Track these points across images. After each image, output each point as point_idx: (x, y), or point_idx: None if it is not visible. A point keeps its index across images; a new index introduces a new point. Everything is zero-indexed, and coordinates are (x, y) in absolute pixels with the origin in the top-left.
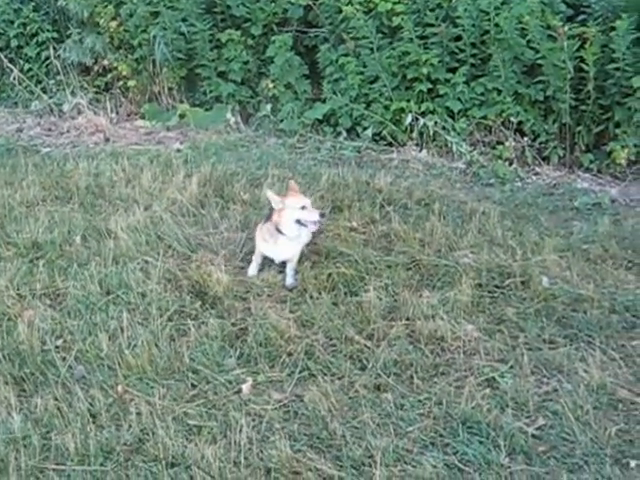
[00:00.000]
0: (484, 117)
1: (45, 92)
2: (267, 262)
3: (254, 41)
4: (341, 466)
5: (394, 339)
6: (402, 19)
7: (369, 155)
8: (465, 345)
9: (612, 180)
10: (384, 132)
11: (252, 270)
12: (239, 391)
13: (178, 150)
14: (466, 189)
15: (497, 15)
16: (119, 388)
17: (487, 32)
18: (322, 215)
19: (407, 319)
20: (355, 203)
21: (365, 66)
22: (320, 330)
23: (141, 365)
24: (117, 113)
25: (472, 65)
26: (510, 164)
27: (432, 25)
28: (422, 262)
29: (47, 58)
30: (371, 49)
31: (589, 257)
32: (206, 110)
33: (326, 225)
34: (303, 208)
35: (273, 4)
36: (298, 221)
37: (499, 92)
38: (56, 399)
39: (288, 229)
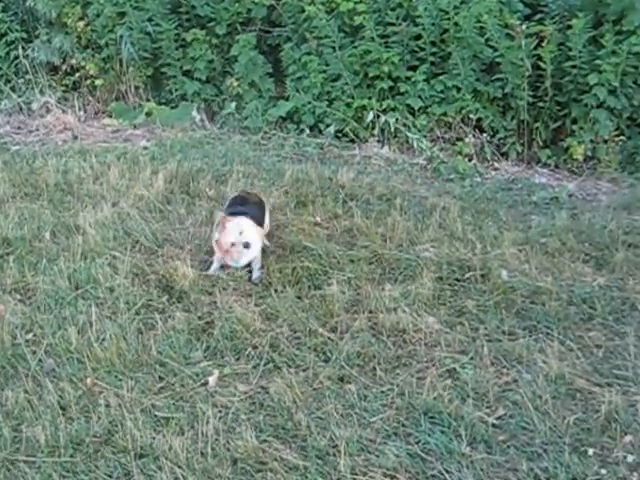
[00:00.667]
0: (444, 114)
1: (14, 91)
2: None
3: (219, 40)
4: (306, 456)
5: (357, 332)
6: (364, 18)
7: (332, 152)
8: (426, 337)
9: (569, 175)
10: (346, 129)
11: (212, 270)
12: (206, 383)
13: (145, 147)
14: (427, 184)
15: (456, 14)
16: (88, 381)
17: (447, 31)
18: (236, 263)
19: (370, 312)
20: (318, 198)
21: (327, 64)
22: (285, 323)
23: (110, 358)
24: (85, 111)
25: (432, 63)
26: (470, 160)
27: (393, 24)
28: (384, 256)
29: (16, 57)
30: (333, 48)
31: (547, 250)
32: (172, 108)
33: (291, 220)
34: (232, 245)
35: (237, 4)
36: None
37: (458, 89)
38: (26, 392)
39: (226, 253)
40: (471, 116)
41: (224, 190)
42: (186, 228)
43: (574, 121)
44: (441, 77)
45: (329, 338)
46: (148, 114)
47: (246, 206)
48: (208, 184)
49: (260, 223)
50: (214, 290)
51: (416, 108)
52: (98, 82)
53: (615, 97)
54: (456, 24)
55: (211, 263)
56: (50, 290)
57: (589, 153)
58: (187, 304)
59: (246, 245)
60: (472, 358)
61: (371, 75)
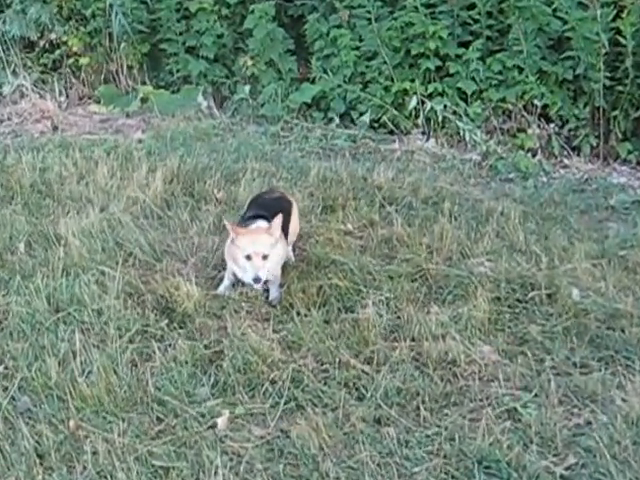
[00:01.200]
0: (502, 100)
1: None
2: None
3: (229, 10)
4: None
5: (397, 363)
6: None
7: (366, 145)
8: (481, 370)
9: None
10: (384, 118)
11: (222, 289)
12: (213, 426)
13: (140, 140)
14: (481, 185)
15: None
16: (71, 423)
17: None
18: (255, 280)
19: (412, 340)
20: (350, 202)
21: (361, 40)
22: (309, 353)
23: (97, 395)
24: (67, 96)
25: (488, 38)
26: (533, 155)
27: None
28: (430, 272)
29: None
30: (369, 20)
31: (627, 265)
32: (173, 93)
33: (317, 228)
34: (248, 258)
35: None
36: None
37: (520, 70)
38: None
39: (240, 269)
40: (535, 102)
41: (236, 192)
42: (190, 238)
43: None
44: (499, 55)
45: (363, 371)
46: (144, 100)
47: (268, 209)
48: (216, 185)
49: (285, 231)
50: (224, 313)
51: (469, 93)
52: (83, 61)
53: None
54: None
55: (220, 280)
56: (25, 313)
57: None
58: (191, 330)
59: (265, 257)
60: (536, 395)
61: (414, 53)
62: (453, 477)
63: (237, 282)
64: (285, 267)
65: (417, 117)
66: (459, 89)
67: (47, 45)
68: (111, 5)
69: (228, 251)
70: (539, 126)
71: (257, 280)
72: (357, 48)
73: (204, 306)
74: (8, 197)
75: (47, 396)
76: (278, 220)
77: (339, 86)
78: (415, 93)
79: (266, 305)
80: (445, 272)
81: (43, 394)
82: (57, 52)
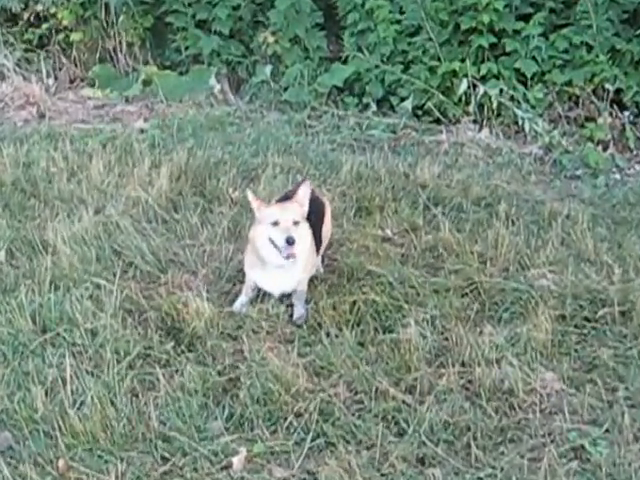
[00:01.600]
0: (568, 83)
1: None
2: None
3: None
4: None
5: (444, 393)
6: None
7: (408, 136)
8: (543, 401)
9: None
10: (429, 104)
11: (239, 305)
12: (228, 466)
13: (141, 130)
14: (543, 184)
15: None
16: (60, 463)
17: None
18: (289, 241)
19: (462, 365)
20: (389, 203)
21: (402, 12)
22: (341, 381)
23: (91, 431)
24: (56, 79)
25: (552, 11)
26: (605, 149)
27: None
28: (482, 285)
29: None
30: None
31: None
32: (180, 74)
33: (350, 233)
34: (275, 224)
35: None
36: (271, 241)
37: (589, 48)
38: None
39: (263, 251)
40: (607, 86)
41: (254, 191)
42: (200, 245)
43: None
44: (564, 31)
45: (404, 402)
46: (146, 83)
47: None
48: (231, 183)
49: (318, 237)
50: (240, 334)
51: (528, 75)
52: (75, 37)
53: None
54: None
55: (236, 295)
56: (6, 334)
57: None
58: (201, 354)
59: (289, 240)
60: (607, 431)
61: (465, 28)
62: None
63: (256, 297)
64: (313, 280)
65: (468, 103)
66: (517, 70)
67: (32, 18)
68: None
69: (252, 237)
70: (611, 114)
71: (291, 241)
72: (397, 22)
73: (217, 325)
74: None
75: (32, 431)
76: (306, 188)
77: (376, 67)
78: (465, 75)
79: (290, 324)
80: (501, 285)
81: (27, 429)
82: (44, 26)
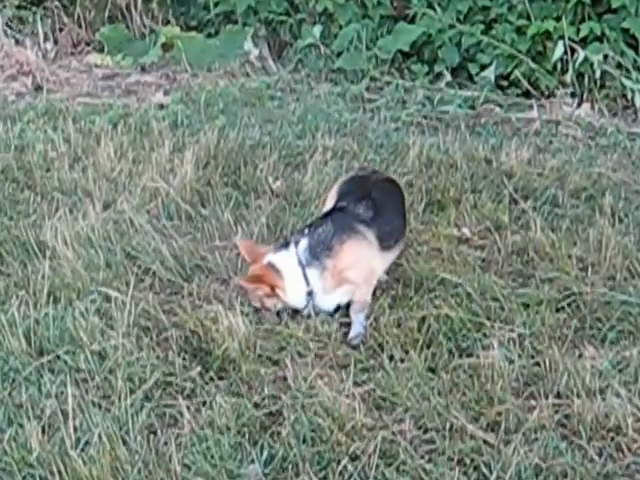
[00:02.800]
0: None
1: None
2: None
3: None
4: None
5: (535, 431)
6: None
7: (490, 113)
8: None
9: None
10: (516, 73)
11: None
12: None
13: (161, 106)
14: None
15: None
16: None
17: None
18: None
19: (557, 396)
20: (467, 196)
21: None
22: (407, 415)
23: (98, 477)
24: (55, 42)
25: None
26: None
27: None
28: (583, 297)
29: None
30: None
31: None
32: (209, 37)
33: (418, 232)
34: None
35: None
36: None
37: None
38: None
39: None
40: None
41: (299, 180)
42: (233, 247)
43: None
44: None
45: (485, 442)
46: (167, 47)
47: (364, 202)
48: (272, 170)
49: (389, 236)
50: (282, 357)
51: None
52: None
53: None
54: None
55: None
56: None
57: None
58: (235, 381)
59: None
60: None
61: None
62: None
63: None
64: (374, 291)
65: (564, 72)
66: (626, 31)
67: None
68: None
69: None
70: None
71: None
72: None
73: (254, 347)
74: None
75: (26, 477)
76: None
77: (451, 27)
78: (561, 37)
79: (344, 345)
80: (605, 298)
81: (20, 474)
82: None
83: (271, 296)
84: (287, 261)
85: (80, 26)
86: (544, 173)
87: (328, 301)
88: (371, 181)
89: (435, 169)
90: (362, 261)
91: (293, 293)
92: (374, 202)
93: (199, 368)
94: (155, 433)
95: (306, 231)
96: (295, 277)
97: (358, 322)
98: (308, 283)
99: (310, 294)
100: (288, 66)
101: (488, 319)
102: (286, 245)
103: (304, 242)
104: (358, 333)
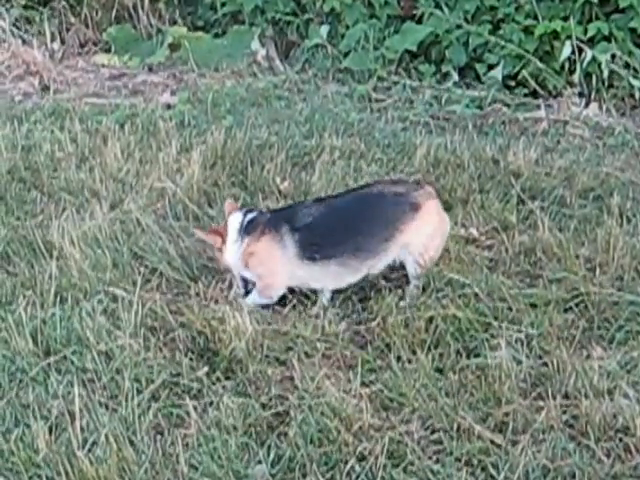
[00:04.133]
0: None
1: None
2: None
3: None
4: None
5: (543, 431)
6: None
7: (498, 113)
8: None
9: None
10: (524, 73)
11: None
12: None
13: (168, 106)
14: None
15: None
16: None
17: None
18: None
19: (565, 396)
20: (474, 196)
21: None
22: (414, 416)
23: (105, 477)
24: (62, 42)
25: None
26: None
27: None
28: (590, 298)
29: None
30: None
31: None
32: (216, 37)
33: None
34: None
35: None
36: None
37: None
38: None
39: None
40: None
41: (307, 181)
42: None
43: None
44: None
45: (493, 442)
46: (174, 47)
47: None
48: (279, 170)
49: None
50: (290, 357)
51: None
52: None
53: None
54: None
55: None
56: (1, 357)
57: None
58: (242, 382)
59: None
60: None
61: None
62: None
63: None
64: (381, 290)
65: (572, 72)
66: (634, 31)
67: None
68: None
69: None
70: None
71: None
72: None
73: (261, 347)
74: None
75: (33, 477)
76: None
77: (458, 27)
78: (569, 37)
79: (351, 345)
80: (613, 298)
81: (27, 474)
82: None
83: (219, 250)
84: (234, 225)
85: (87, 26)
86: (552, 173)
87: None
88: (357, 190)
89: (442, 169)
90: (266, 257)
91: (229, 254)
92: (323, 211)
93: (206, 368)
94: (162, 433)
95: (262, 210)
96: (233, 241)
97: (251, 295)
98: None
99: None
100: (295, 66)
101: (496, 319)
102: (240, 210)
103: (250, 216)
104: (246, 304)
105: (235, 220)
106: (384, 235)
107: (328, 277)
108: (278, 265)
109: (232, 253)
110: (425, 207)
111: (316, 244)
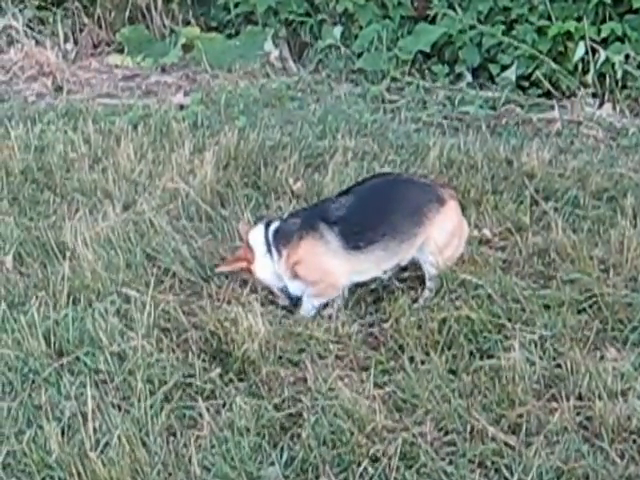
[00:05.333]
0: None
1: None
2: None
3: None
4: None
5: (556, 433)
6: None
7: (511, 114)
8: None
9: None
10: (537, 74)
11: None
12: None
13: (181, 106)
14: None
15: None
16: None
17: None
18: None
19: (579, 398)
20: (488, 197)
21: None
22: (427, 418)
23: (118, 478)
24: (75, 43)
25: None
26: None
27: None
28: (604, 299)
29: None
30: None
31: None
32: (229, 37)
33: None
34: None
35: None
36: None
37: None
38: None
39: None
40: None
41: (320, 181)
42: None
43: None
44: None
45: (506, 444)
46: (187, 48)
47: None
48: (292, 171)
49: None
50: (303, 358)
51: None
52: None
53: None
54: None
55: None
56: (14, 358)
57: None
58: (255, 383)
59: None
60: None
61: None
62: None
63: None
64: (393, 291)
65: (585, 72)
66: None
67: None
68: None
69: None
70: None
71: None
72: None
73: (274, 348)
74: None
75: (45, 478)
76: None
77: (472, 27)
78: (582, 38)
79: (364, 347)
80: (627, 299)
81: (39, 476)
82: None
83: (249, 271)
84: (258, 240)
85: (100, 27)
86: (565, 174)
87: (292, 287)
88: (373, 179)
89: (456, 170)
90: (314, 259)
91: (261, 270)
92: (353, 200)
93: (219, 369)
94: (175, 435)
95: (284, 216)
96: (262, 256)
97: (305, 305)
98: (273, 264)
99: (280, 277)
100: (308, 67)
101: (509, 320)
102: (260, 221)
103: (274, 226)
104: (302, 316)
105: (258, 234)
106: (414, 219)
107: (373, 264)
108: (329, 263)
109: (265, 266)
110: (449, 204)
111: (357, 232)
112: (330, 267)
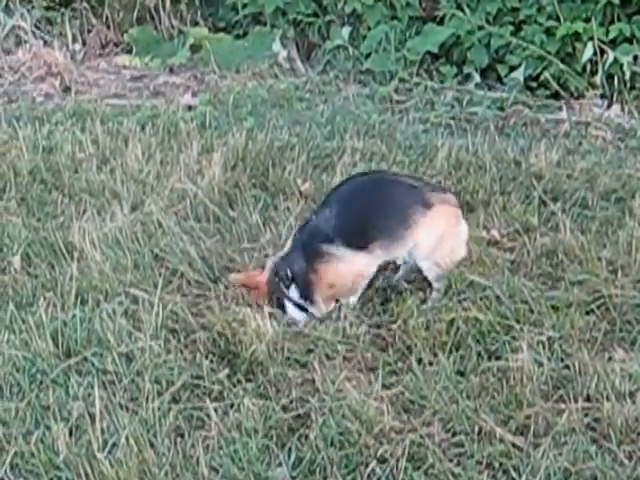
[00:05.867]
0: None
1: None
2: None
3: None
4: None
5: (564, 434)
6: None
7: (519, 114)
8: None
9: None
10: (545, 75)
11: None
12: None
13: (189, 107)
14: None
15: None
16: None
17: None
18: None
19: (587, 399)
20: (496, 198)
21: None
22: (435, 419)
23: (125, 479)
24: (83, 44)
25: None
26: None
27: None
28: (613, 300)
29: None
30: None
31: None
32: (237, 38)
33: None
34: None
35: None
36: None
37: None
38: None
39: None
40: None
41: (328, 182)
42: (261, 248)
43: None
44: None
45: (514, 445)
46: (195, 48)
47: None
48: (300, 172)
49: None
50: (310, 360)
51: None
52: None
53: None
54: None
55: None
56: (22, 359)
57: None
58: (263, 384)
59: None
60: None
61: None
62: None
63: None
64: (400, 292)
65: (594, 73)
66: None
67: None
68: None
69: None
70: None
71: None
72: None
73: (282, 349)
74: None
75: (53, 479)
76: None
77: (480, 28)
78: (591, 39)
79: (372, 348)
80: (635, 300)
81: (47, 476)
82: None
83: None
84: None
85: (108, 27)
86: (573, 175)
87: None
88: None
89: (464, 171)
90: (342, 277)
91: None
92: (336, 207)
93: (227, 370)
94: (182, 436)
95: (279, 255)
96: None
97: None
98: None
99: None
100: (317, 67)
101: (517, 322)
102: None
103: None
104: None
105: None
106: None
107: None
108: (352, 271)
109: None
110: (436, 208)
111: (356, 234)
112: (356, 268)
